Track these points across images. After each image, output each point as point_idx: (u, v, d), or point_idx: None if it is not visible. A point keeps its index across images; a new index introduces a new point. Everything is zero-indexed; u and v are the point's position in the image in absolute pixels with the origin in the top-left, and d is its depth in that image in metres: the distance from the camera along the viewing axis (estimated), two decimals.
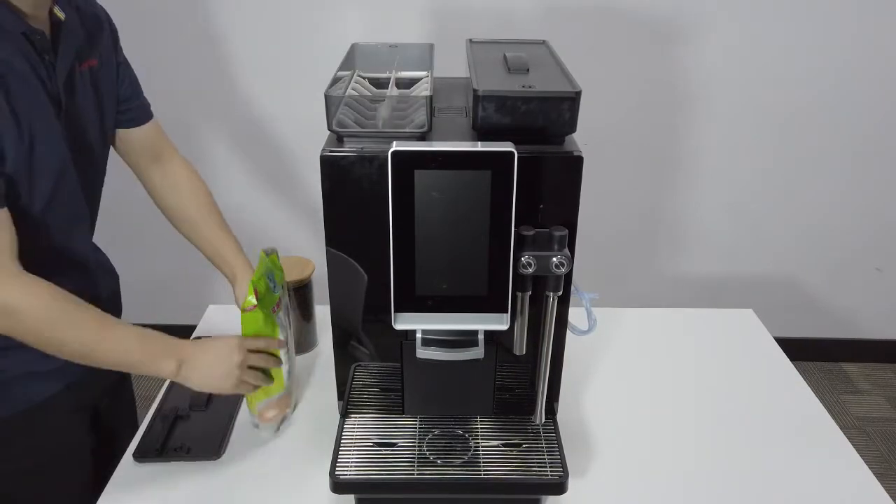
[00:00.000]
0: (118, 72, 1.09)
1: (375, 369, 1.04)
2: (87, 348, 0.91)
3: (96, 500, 1.00)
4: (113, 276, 1.20)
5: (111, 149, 1.14)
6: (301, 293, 1.27)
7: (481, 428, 1.01)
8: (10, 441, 1.05)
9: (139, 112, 1.15)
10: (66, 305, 0.90)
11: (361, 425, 1.01)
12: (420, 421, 1.02)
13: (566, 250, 0.85)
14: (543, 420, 0.97)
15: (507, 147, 0.78)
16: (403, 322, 0.87)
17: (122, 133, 1.13)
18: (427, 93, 0.91)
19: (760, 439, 1.13)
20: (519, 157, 0.78)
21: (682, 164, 2.34)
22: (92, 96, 1.03)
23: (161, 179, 1.18)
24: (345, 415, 1.03)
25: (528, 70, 0.92)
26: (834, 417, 1.18)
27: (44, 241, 0.98)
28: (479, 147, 0.78)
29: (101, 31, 1.05)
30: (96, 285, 1.11)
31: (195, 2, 2.09)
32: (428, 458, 0.96)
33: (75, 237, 1.05)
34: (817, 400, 1.22)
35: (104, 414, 1.19)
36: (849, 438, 1.13)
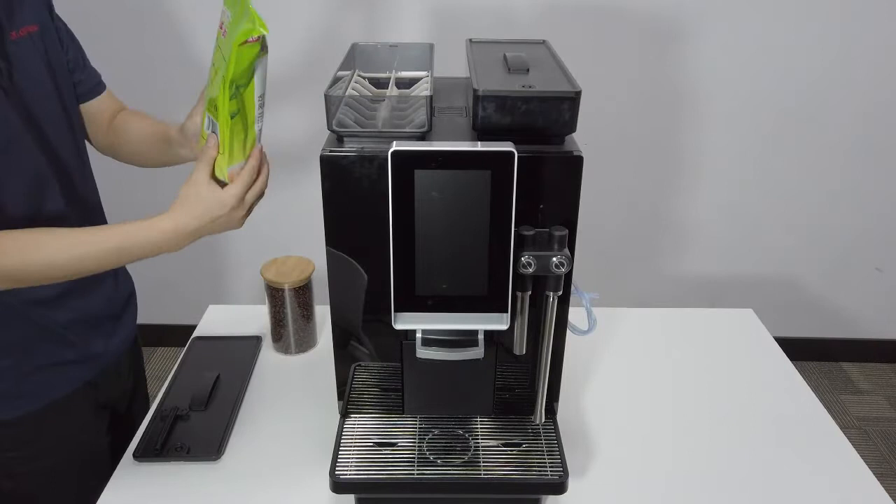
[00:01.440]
0: (60, 38, 1.04)
1: (375, 369, 1.04)
2: (75, 259, 0.90)
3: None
4: (119, 279, 1.20)
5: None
6: (301, 293, 1.27)
7: (481, 428, 1.01)
8: (30, 440, 1.06)
9: (91, 82, 1.11)
10: (37, 232, 0.90)
11: (361, 425, 1.01)
12: (420, 421, 1.02)
13: (566, 250, 0.85)
14: (543, 420, 0.97)
15: (507, 147, 0.78)
16: (403, 322, 0.87)
17: (81, 109, 1.10)
18: (427, 93, 0.91)
19: (760, 439, 1.13)
20: (519, 157, 0.78)
21: (682, 164, 2.34)
22: (42, 64, 0.99)
23: (115, 134, 1.16)
24: (345, 415, 1.03)
25: (528, 70, 0.92)
26: (834, 417, 1.18)
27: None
28: (479, 147, 0.78)
29: None
30: (100, 287, 1.11)
31: (195, 1, 2.09)
32: (428, 458, 0.96)
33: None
34: (817, 400, 1.22)
35: (121, 416, 1.20)
36: (849, 438, 1.13)
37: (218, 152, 0.93)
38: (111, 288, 1.14)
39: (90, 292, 1.08)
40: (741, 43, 2.15)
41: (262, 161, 0.97)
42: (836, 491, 1.04)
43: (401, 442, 0.99)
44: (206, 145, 0.93)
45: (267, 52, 0.88)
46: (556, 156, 0.86)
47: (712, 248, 2.48)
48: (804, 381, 1.27)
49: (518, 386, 1.04)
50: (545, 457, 0.97)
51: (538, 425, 1.01)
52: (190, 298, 2.02)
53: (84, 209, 1.06)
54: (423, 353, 0.91)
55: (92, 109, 1.12)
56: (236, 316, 1.43)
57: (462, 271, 0.84)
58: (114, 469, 1.05)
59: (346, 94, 0.96)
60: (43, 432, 1.07)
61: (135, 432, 1.11)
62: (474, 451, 0.97)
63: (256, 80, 0.89)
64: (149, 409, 1.18)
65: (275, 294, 1.27)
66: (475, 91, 0.84)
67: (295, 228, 2.35)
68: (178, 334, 1.64)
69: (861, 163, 2.33)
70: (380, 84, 1.04)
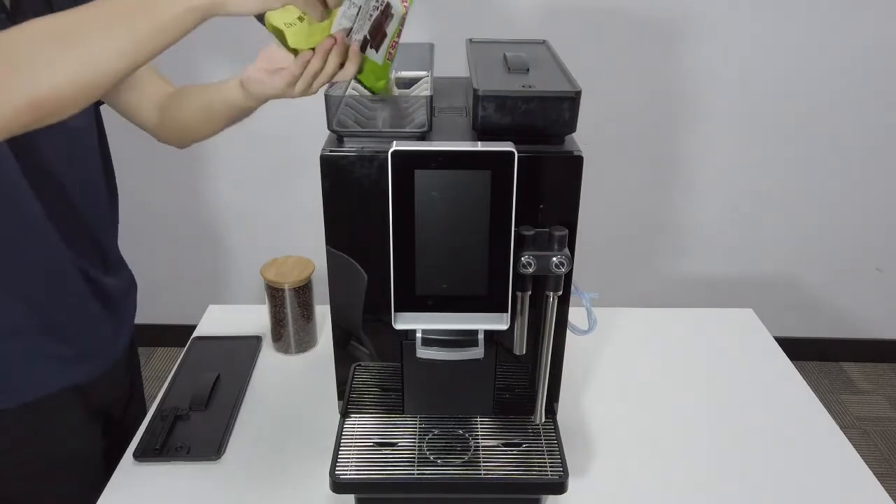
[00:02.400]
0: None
1: (375, 369, 1.04)
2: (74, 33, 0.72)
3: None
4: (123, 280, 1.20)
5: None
6: (301, 293, 1.27)
7: (481, 428, 1.01)
8: (17, 437, 1.05)
9: None
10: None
11: (361, 425, 1.01)
12: (420, 421, 1.02)
13: (566, 250, 0.85)
14: (543, 420, 0.97)
15: (507, 147, 0.78)
16: (403, 322, 0.87)
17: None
18: (427, 93, 0.91)
19: (760, 439, 1.13)
20: (519, 157, 0.78)
21: (682, 164, 2.35)
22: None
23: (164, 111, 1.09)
24: (345, 415, 1.03)
25: (528, 70, 0.92)
26: (834, 417, 1.18)
27: None
28: (479, 147, 0.78)
29: None
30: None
31: None
32: (428, 458, 0.96)
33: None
34: (817, 400, 1.22)
35: (117, 421, 1.20)
36: (849, 438, 1.13)
37: None
38: (105, 278, 1.13)
39: (83, 277, 1.07)
40: (741, 43, 2.15)
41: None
42: (836, 491, 1.04)
43: (401, 442, 0.99)
44: None
45: None
46: (556, 156, 0.86)
47: (712, 248, 2.48)
48: (804, 381, 1.27)
49: (518, 386, 1.04)
50: (545, 457, 0.96)
51: (538, 425, 1.01)
52: (190, 298, 2.02)
53: (83, 186, 1.04)
54: (423, 353, 0.91)
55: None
56: (236, 316, 1.43)
57: (462, 271, 0.84)
58: (107, 475, 1.04)
59: (346, 94, 0.96)
60: (31, 431, 1.06)
61: (130, 438, 1.11)
62: (474, 451, 0.97)
63: None
64: (146, 413, 1.18)
65: (275, 294, 1.27)
66: (475, 91, 0.84)
67: (295, 228, 2.36)
68: (178, 334, 1.64)
69: (861, 163, 2.33)
70: None
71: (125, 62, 0.74)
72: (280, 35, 0.83)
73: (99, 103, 1.09)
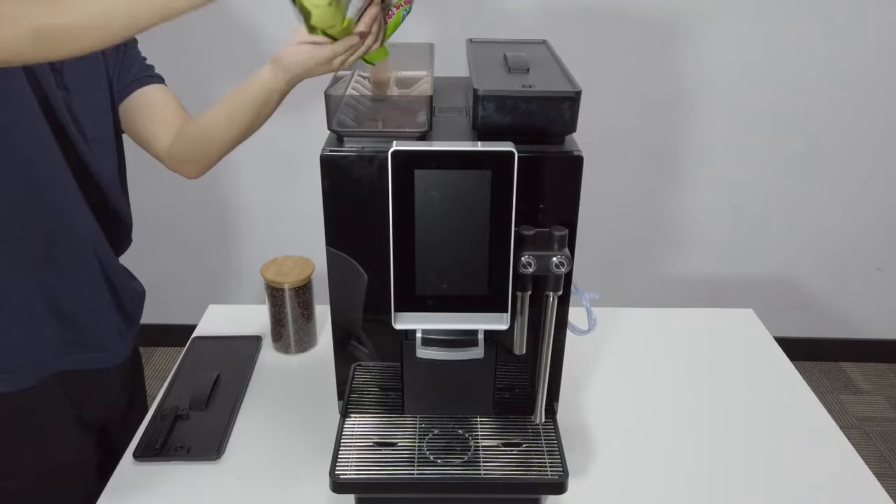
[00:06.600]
0: (125, 50, 1.10)
1: (375, 369, 1.04)
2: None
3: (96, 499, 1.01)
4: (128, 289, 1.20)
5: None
6: (301, 293, 1.27)
7: (481, 428, 1.01)
8: (10, 456, 1.06)
9: (137, 73, 1.10)
10: None
11: (361, 425, 1.01)
12: (420, 421, 1.02)
13: (566, 250, 0.85)
14: (543, 420, 0.97)
15: (507, 147, 0.78)
16: (403, 322, 0.87)
17: (128, 105, 1.10)
18: (427, 93, 0.91)
19: (760, 439, 1.13)
20: (519, 157, 0.78)
21: (682, 164, 2.35)
22: (100, 61, 1.04)
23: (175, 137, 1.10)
24: (345, 415, 1.03)
25: (528, 70, 0.92)
26: (834, 417, 1.18)
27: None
28: (479, 147, 0.78)
29: None
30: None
31: None
32: (428, 458, 0.96)
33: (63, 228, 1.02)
34: (817, 400, 1.22)
35: (112, 432, 1.20)
36: (849, 438, 1.13)
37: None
38: (121, 276, 1.14)
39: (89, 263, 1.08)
40: (741, 43, 2.15)
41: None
42: (837, 491, 1.04)
43: (401, 442, 0.99)
44: None
45: None
46: (556, 156, 0.86)
47: (712, 248, 2.48)
48: (804, 381, 1.27)
49: (518, 386, 1.04)
50: (545, 457, 0.96)
51: (538, 425, 1.01)
52: (190, 298, 2.02)
53: (104, 215, 1.08)
54: (423, 352, 0.91)
55: (135, 103, 1.10)
56: (236, 316, 1.43)
57: (462, 271, 0.84)
58: (107, 475, 1.04)
59: (346, 93, 0.96)
60: (25, 450, 1.06)
61: (131, 438, 1.11)
62: (474, 451, 0.97)
63: None
64: (146, 413, 1.18)
65: (275, 294, 1.27)
66: (475, 91, 0.84)
67: (295, 228, 2.35)
68: (178, 334, 1.64)
69: (861, 162, 2.33)
70: None
71: (133, 21, 0.79)
72: (306, 14, 0.85)
73: (119, 130, 1.12)
